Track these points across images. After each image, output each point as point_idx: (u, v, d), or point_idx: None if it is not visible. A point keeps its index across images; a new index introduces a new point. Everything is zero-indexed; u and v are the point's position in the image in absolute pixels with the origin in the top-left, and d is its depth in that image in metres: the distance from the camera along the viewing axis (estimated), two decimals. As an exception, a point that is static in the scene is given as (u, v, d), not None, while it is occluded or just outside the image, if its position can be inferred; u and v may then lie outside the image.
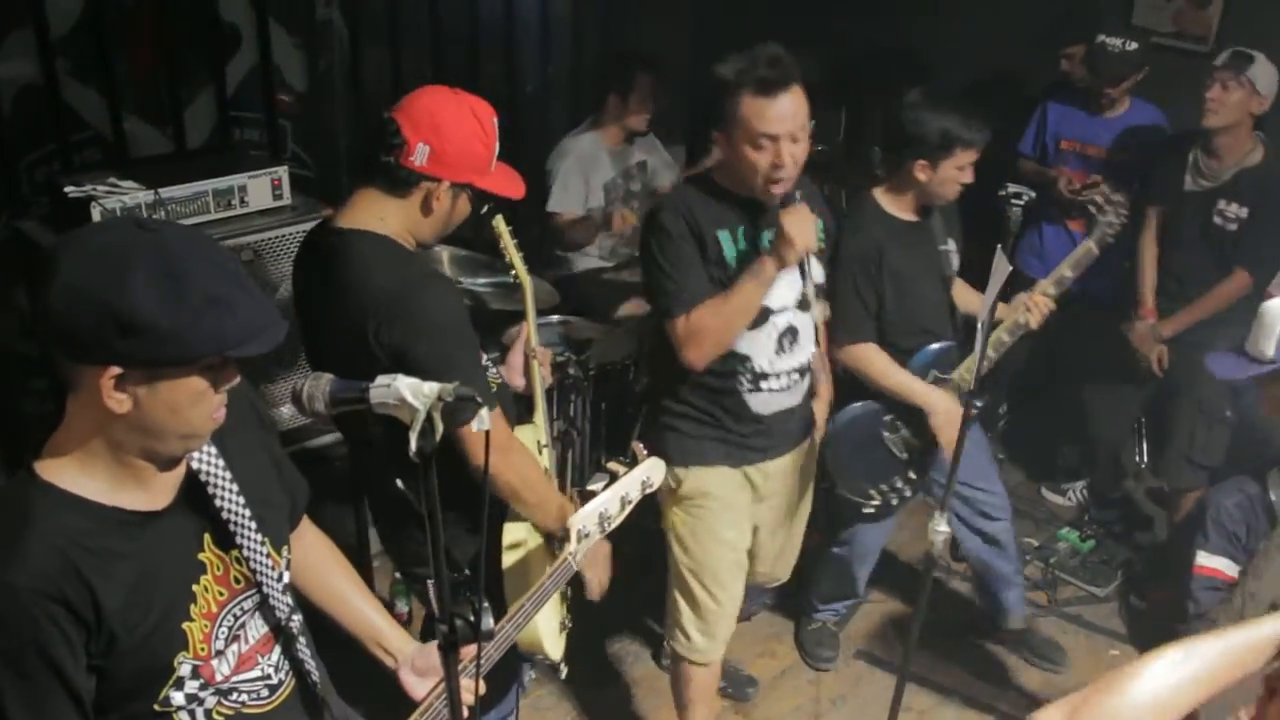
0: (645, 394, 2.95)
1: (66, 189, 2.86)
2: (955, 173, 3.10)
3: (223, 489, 1.61)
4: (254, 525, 1.64)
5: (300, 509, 1.90)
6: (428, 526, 1.50)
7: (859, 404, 3.26)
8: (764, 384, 2.77)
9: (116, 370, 1.38)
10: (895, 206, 3.20)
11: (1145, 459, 4.63)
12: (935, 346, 3.25)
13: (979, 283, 3.26)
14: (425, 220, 2.22)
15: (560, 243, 4.35)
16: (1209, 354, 2.62)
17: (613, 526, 2.24)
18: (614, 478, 2.26)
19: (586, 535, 2.17)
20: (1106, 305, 4.18)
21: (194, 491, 1.59)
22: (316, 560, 1.97)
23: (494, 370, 2.42)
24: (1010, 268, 2.51)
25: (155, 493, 1.54)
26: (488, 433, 1.48)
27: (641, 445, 2.41)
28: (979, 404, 3.27)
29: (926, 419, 3.19)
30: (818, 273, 2.73)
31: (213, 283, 1.39)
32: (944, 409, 3.17)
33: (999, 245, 2.61)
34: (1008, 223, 2.64)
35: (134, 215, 2.76)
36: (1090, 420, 4.46)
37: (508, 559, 2.41)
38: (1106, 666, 3.77)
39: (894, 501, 3.38)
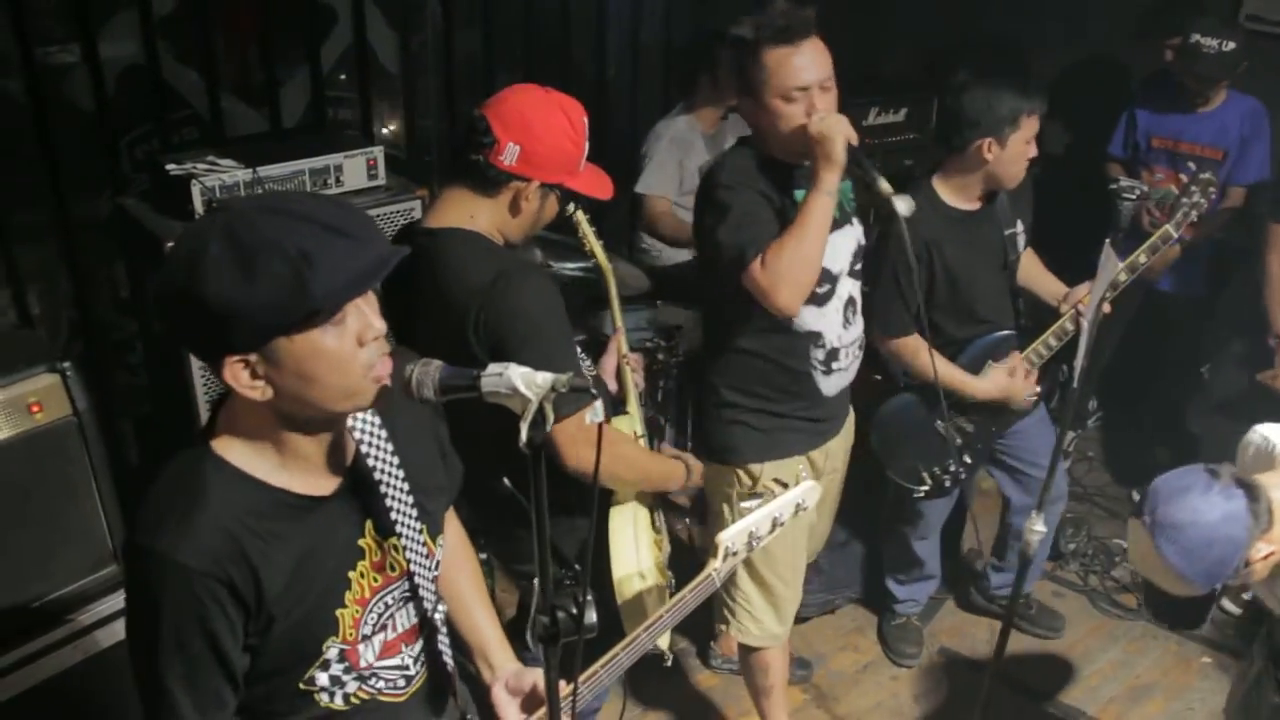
0: (704, 388, 2.78)
1: (168, 166, 2.90)
2: (1023, 147, 3.00)
3: (389, 475, 1.60)
4: (415, 514, 1.64)
5: (454, 495, 1.88)
6: (534, 521, 1.49)
7: (909, 393, 3.22)
8: (834, 364, 2.71)
9: (233, 359, 1.37)
10: (955, 196, 3.11)
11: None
12: (993, 336, 3.18)
13: (1072, 280, 3.21)
14: (514, 220, 2.23)
15: (648, 229, 4.31)
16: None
17: (760, 545, 2.19)
18: (769, 497, 2.20)
19: (734, 554, 2.12)
20: (1199, 302, 4.07)
21: (360, 477, 1.59)
22: (449, 556, 1.93)
23: (588, 362, 2.42)
24: (1121, 263, 2.44)
25: (322, 475, 1.54)
26: (600, 425, 1.46)
27: (802, 469, 2.38)
28: (1038, 390, 3.26)
29: (981, 406, 3.18)
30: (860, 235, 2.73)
31: (292, 238, 1.34)
32: (996, 387, 3.16)
33: (1107, 240, 2.53)
34: (1118, 216, 2.55)
35: (227, 199, 2.79)
36: (1180, 412, 4.34)
37: (619, 558, 2.42)
38: (1197, 674, 3.68)
39: (947, 484, 3.35)
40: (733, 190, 2.48)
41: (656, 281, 3.85)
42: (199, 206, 2.77)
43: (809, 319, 2.62)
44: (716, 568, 2.07)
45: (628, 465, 2.40)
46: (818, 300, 2.60)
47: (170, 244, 1.47)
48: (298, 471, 1.51)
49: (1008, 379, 3.18)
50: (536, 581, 1.52)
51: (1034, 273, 3.40)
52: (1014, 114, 2.95)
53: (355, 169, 3.07)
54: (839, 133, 2.37)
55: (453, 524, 1.95)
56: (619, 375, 2.65)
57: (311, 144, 3.12)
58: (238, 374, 1.38)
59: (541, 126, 2.16)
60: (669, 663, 2.49)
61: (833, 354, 2.69)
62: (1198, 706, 3.54)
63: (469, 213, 2.20)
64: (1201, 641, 3.84)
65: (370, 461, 1.59)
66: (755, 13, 2.44)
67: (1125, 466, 4.73)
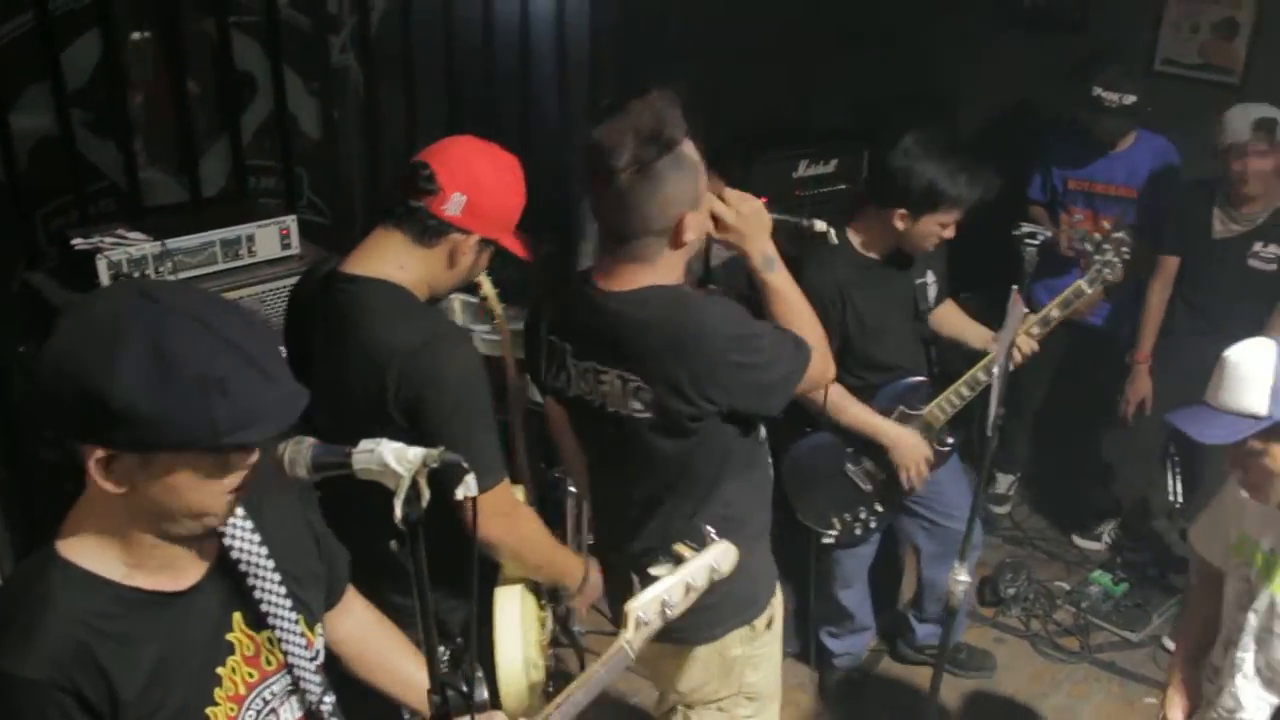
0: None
1: (74, 241, 2.86)
2: (936, 228, 3.01)
3: (256, 566, 1.54)
4: (289, 604, 1.57)
5: (342, 581, 1.82)
6: (416, 594, 1.46)
7: (821, 434, 3.21)
8: (769, 456, 2.49)
9: (101, 453, 1.31)
10: (867, 245, 3.12)
11: (1179, 495, 4.51)
12: (904, 382, 3.19)
13: (997, 322, 3.22)
14: (446, 273, 2.15)
15: None
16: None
17: (674, 615, 1.99)
18: (679, 562, 2.00)
19: (645, 624, 1.96)
20: (1123, 340, 4.12)
21: (225, 568, 1.52)
22: (367, 636, 1.89)
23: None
24: (1026, 310, 2.45)
25: (180, 571, 1.47)
26: (475, 499, 1.43)
27: (710, 528, 2.06)
28: (951, 440, 3.26)
29: (888, 453, 3.15)
30: None
31: (209, 362, 1.30)
32: (905, 444, 3.14)
33: (1014, 287, 2.55)
34: (1022, 263, 2.57)
35: (144, 282, 2.71)
36: (1115, 451, 4.38)
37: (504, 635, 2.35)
38: (1141, 715, 3.67)
39: (857, 531, 3.35)
40: (737, 319, 2.12)
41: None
42: (105, 280, 2.73)
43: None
44: (629, 639, 1.94)
45: (531, 548, 2.31)
46: None
47: (72, 307, 1.39)
48: (152, 568, 1.44)
49: (916, 439, 3.17)
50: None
51: (959, 323, 3.42)
52: (935, 200, 2.95)
53: (268, 239, 3.04)
54: (757, 205, 2.20)
55: (357, 603, 1.89)
56: (511, 431, 2.62)
57: (226, 214, 3.09)
58: (102, 467, 1.33)
59: (489, 179, 2.10)
60: None
61: (764, 442, 2.49)
62: (1142, 748, 3.53)
63: (399, 262, 2.10)
64: (1145, 681, 3.83)
65: (234, 554, 1.53)
66: (643, 123, 1.99)
67: (1063, 509, 4.75)
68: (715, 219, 2.17)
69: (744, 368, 2.08)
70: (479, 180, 2.08)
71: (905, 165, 2.95)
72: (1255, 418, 2.12)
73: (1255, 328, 3.66)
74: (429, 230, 2.08)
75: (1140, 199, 4.02)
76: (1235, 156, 3.59)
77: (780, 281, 2.22)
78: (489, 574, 2.33)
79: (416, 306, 2.12)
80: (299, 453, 1.45)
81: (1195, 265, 3.89)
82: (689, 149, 2.05)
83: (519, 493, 2.56)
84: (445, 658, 2.06)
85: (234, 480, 1.41)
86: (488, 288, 2.61)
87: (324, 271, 2.23)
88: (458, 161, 2.08)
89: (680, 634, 2.22)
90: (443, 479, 1.43)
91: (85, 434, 1.32)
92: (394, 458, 1.39)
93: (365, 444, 1.42)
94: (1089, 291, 3.13)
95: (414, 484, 1.40)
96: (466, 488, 1.40)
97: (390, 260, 2.11)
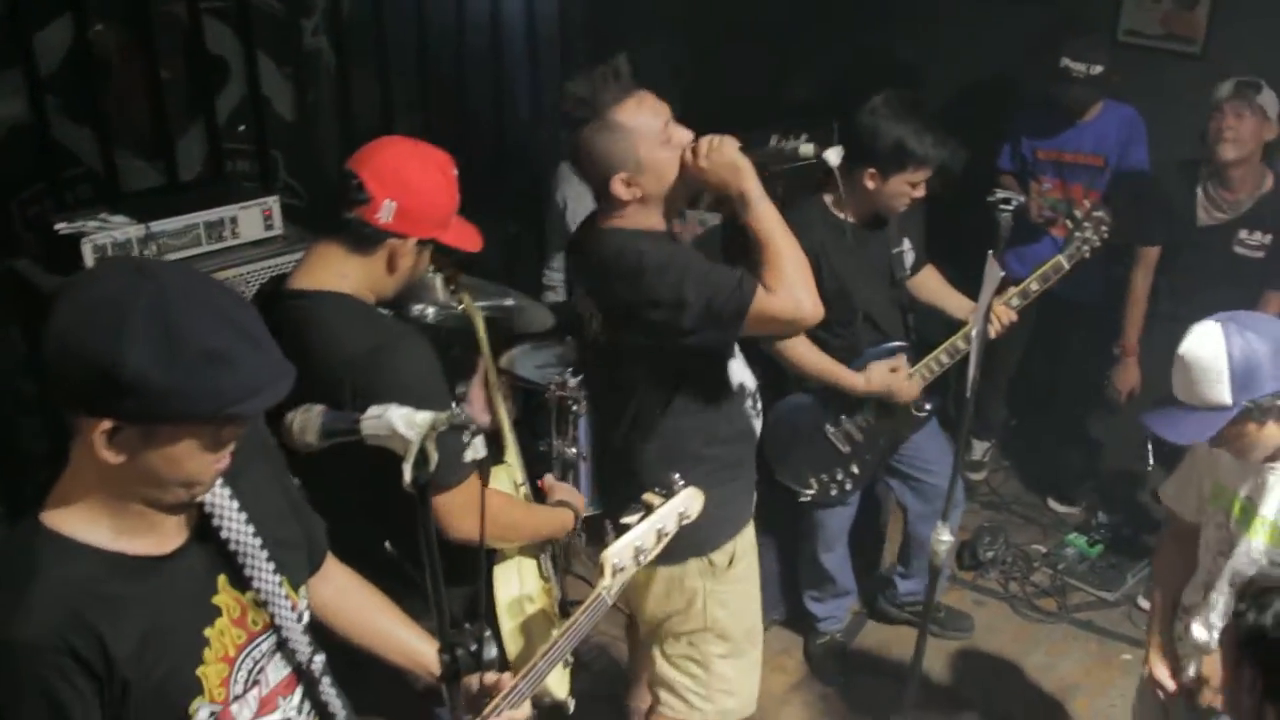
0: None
1: (57, 226, 2.86)
2: (906, 187, 3.06)
3: (236, 529, 1.57)
4: (271, 566, 1.61)
5: (320, 548, 1.86)
6: (425, 558, 1.49)
7: (802, 395, 3.26)
8: (757, 405, 2.67)
9: (108, 424, 1.35)
10: (842, 210, 3.15)
11: (1153, 459, 4.60)
12: (884, 347, 3.25)
13: (972, 290, 3.28)
14: (388, 278, 2.16)
15: None
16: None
17: (647, 560, 2.15)
18: (649, 510, 2.13)
19: (621, 569, 2.08)
20: (1095, 307, 4.19)
21: (206, 534, 1.56)
22: (349, 600, 1.93)
23: (458, 409, 2.39)
24: (1002, 273, 2.51)
25: (164, 536, 1.51)
26: (481, 462, 1.45)
27: (678, 475, 2.20)
28: (929, 407, 3.33)
29: (870, 414, 3.23)
30: None
31: (213, 336, 1.35)
32: (876, 382, 3.20)
33: (989, 252, 2.60)
34: (997, 229, 2.61)
35: (137, 260, 2.72)
36: (1088, 415, 4.45)
37: (509, 612, 2.40)
38: (1119, 671, 3.76)
39: (833, 492, 3.42)
40: (661, 255, 2.28)
41: (562, 318, 3.86)
42: (90, 264, 2.73)
43: (737, 371, 2.57)
44: (606, 585, 2.05)
45: (515, 530, 2.36)
46: (733, 351, 2.57)
47: (71, 286, 1.41)
48: (137, 534, 1.48)
49: (888, 374, 3.22)
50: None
51: (940, 291, 3.47)
52: (903, 159, 3.00)
53: (251, 220, 3.05)
54: (729, 145, 2.27)
55: (337, 570, 1.93)
56: (490, 405, 2.60)
57: (206, 197, 3.10)
58: (105, 439, 1.36)
59: (419, 182, 2.10)
60: (570, 712, 2.42)
61: (754, 396, 2.66)
62: (1119, 702, 3.60)
63: (340, 272, 2.12)
64: (1121, 639, 3.92)
65: (216, 520, 1.56)
66: (574, 90, 2.28)
67: (1039, 474, 4.83)
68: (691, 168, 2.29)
69: (655, 304, 2.25)
70: (408, 184, 2.08)
71: (872, 124, 3.02)
72: (1223, 408, 2.16)
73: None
74: (365, 239, 2.10)
75: (1107, 167, 4.09)
76: (1214, 113, 3.62)
77: (758, 222, 2.28)
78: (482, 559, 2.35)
79: (364, 314, 2.14)
80: (309, 420, 1.48)
81: (1179, 252, 3.90)
82: (622, 115, 2.25)
83: (514, 471, 2.59)
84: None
85: (225, 450, 1.46)
86: (439, 283, 2.60)
87: (270, 290, 2.26)
88: (385, 168, 2.08)
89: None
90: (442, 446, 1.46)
91: (94, 407, 1.35)
92: (403, 422, 1.42)
93: (374, 409, 1.45)
94: (1068, 267, 3.20)
95: (421, 449, 1.43)
96: (474, 450, 1.43)
97: (333, 271, 2.13)
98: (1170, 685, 2.52)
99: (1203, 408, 2.19)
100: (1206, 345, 2.17)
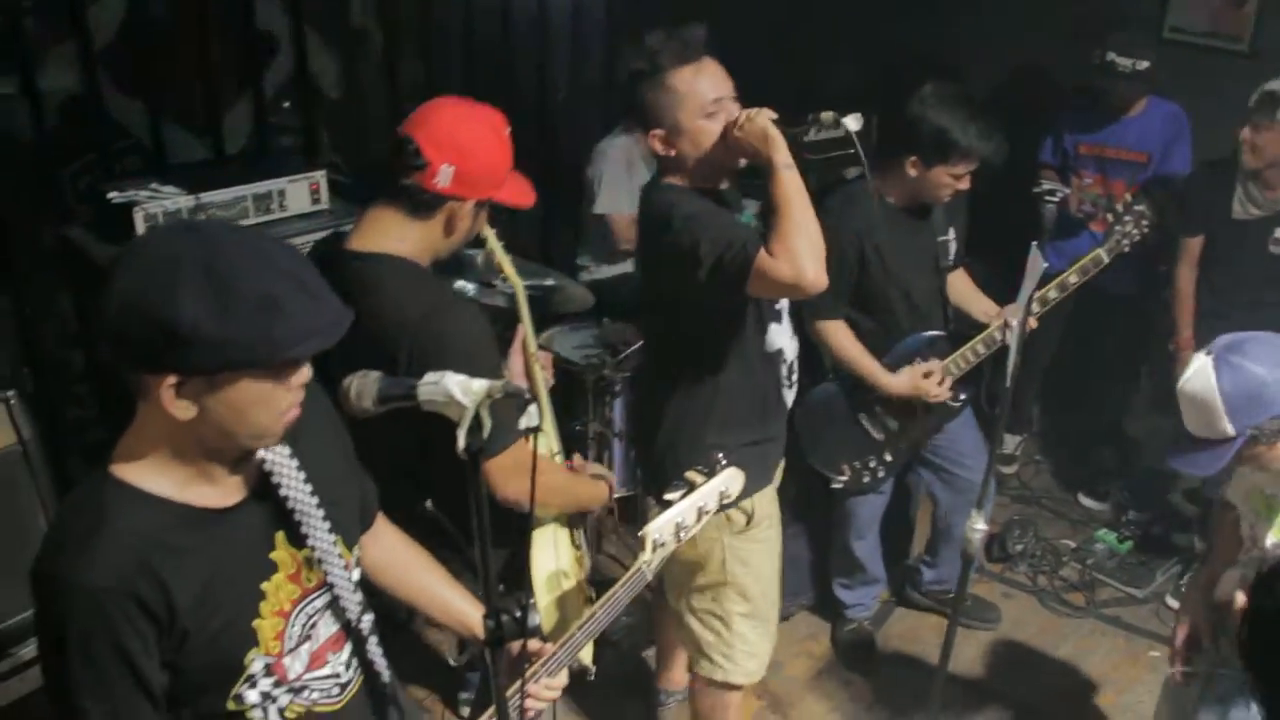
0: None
1: (110, 195, 2.91)
2: (948, 178, 3.06)
3: (294, 487, 1.61)
4: (326, 525, 1.65)
5: (372, 509, 1.91)
6: (475, 524, 1.52)
7: (839, 381, 3.29)
8: (792, 376, 2.73)
9: (173, 379, 1.39)
10: (888, 194, 3.18)
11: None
12: (922, 335, 3.25)
13: (1013, 281, 3.29)
14: (446, 240, 2.20)
15: (619, 243, 4.35)
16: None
17: (688, 537, 2.18)
18: (692, 487, 2.18)
19: (662, 545, 2.12)
20: (1130, 301, 4.17)
21: (266, 489, 1.60)
22: (398, 558, 1.98)
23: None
24: (1045, 264, 2.51)
25: (226, 489, 1.55)
26: (537, 430, 1.48)
27: (721, 455, 2.27)
28: (963, 396, 3.33)
29: (904, 402, 3.25)
30: None
31: (265, 283, 1.39)
32: (905, 385, 3.22)
33: (1033, 243, 2.60)
34: (1041, 220, 2.62)
35: (188, 221, 2.78)
36: (1121, 411, 4.44)
37: (545, 586, 2.43)
38: (1146, 667, 3.76)
39: (865, 480, 3.42)
40: (690, 208, 2.39)
41: (599, 299, 3.89)
42: (142, 233, 2.77)
43: (775, 337, 2.62)
44: (646, 560, 2.09)
45: (557, 494, 2.42)
46: (777, 316, 2.62)
47: (127, 250, 1.46)
48: (201, 486, 1.52)
49: (920, 379, 3.23)
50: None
51: (966, 293, 3.47)
52: (944, 150, 3.00)
53: (298, 194, 3.09)
54: (762, 116, 2.32)
55: (387, 530, 1.98)
56: (528, 374, 2.64)
57: (254, 170, 3.14)
58: (172, 393, 1.40)
59: (473, 144, 2.11)
60: (592, 676, 2.43)
61: (791, 367, 2.71)
62: (1146, 698, 3.59)
63: (399, 236, 2.15)
64: (1149, 636, 3.91)
65: (275, 478, 1.60)
66: (641, 45, 2.40)
67: (1070, 469, 4.82)
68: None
69: (675, 255, 2.35)
70: (463, 147, 2.09)
71: (919, 113, 3.03)
72: (1228, 440, 2.20)
73: (1277, 311, 3.68)
74: (424, 204, 2.12)
75: (1150, 163, 4.07)
76: (1243, 124, 3.61)
77: (778, 188, 2.29)
78: (522, 521, 2.38)
79: (424, 280, 2.18)
80: (365, 385, 1.51)
81: (1216, 248, 3.88)
82: (675, 79, 2.37)
83: (550, 440, 2.63)
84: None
85: (290, 399, 1.49)
86: (495, 244, 2.58)
87: (328, 248, 2.29)
88: (440, 131, 2.09)
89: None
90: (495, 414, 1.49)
91: (156, 363, 1.39)
92: (459, 389, 1.45)
93: (430, 376, 1.47)
94: (1107, 260, 3.20)
95: (476, 416, 1.46)
96: (529, 417, 1.46)
97: (391, 235, 2.15)
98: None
99: (1211, 439, 2.22)
100: (1197, 381, 2.21)
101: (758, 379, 2.63)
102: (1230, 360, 2.19)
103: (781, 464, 2.87)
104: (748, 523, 2.67)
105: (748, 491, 2.59)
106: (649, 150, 4.26)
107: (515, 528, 2.24)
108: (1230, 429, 2.18)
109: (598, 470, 2.63)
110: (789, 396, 2.75)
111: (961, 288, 3.48)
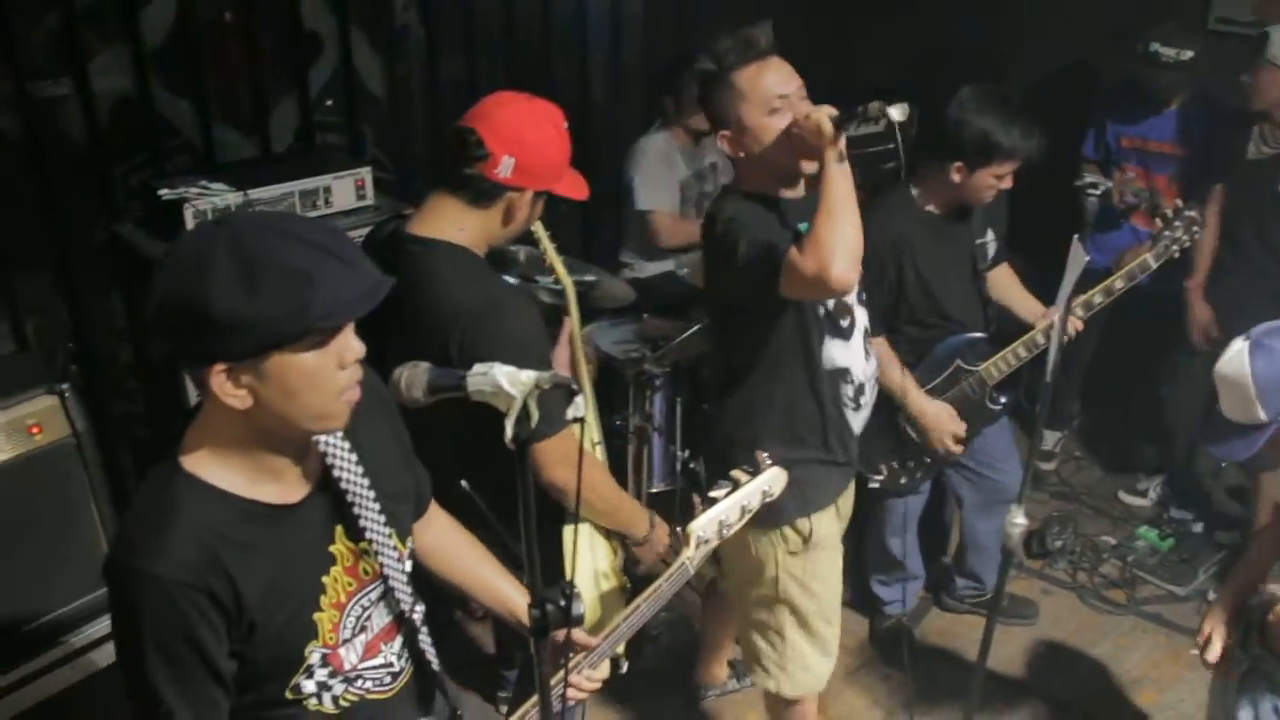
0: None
1: (161, 192, 2.97)
2: (992, 180, 3.06)
3: (353, 482, 1.65)
4: (382, 518, 1.69)
5: (425, 497, 1.95)
6: (521, 515, 1.55)
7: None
8: (862, 399, 2.67)
9: (221, 367, 1.42)
10: (928, 200, 3.17)
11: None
12: (963, 337, 3.25)
13: (1056, 276, 3.28)
14: (504, 229, 2.27)
15: (660, 239, 4.36)
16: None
17: (730, 534, 2.23)
18: (736, 485, 2.21)
19: (705, 541, 2.15)
20: (1170, 298, 4.15)
21: (327, 485, 1.64)
22: (449, 544, 2.02)
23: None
24: (1087, 258, 2.50)
25: (291, 485, 1.59)
26: (527, 441, 1.49)
27: (765, 454, 2.30)
28: (1004, 400, 3.32)
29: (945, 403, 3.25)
30: None
31: (292, 258, 1.40)
32: (930, 416, 3.21)
33: (1075, 236, 2.60)
34: (1083, 214, 2.62)
35: (218, 217, 2.83)
36: (1163, 408, 4.42)
37: (585, 585, 2.47)
38: (1187, 665, 3.73)
39: (903, 480, 3.42)
40: (734, 210, 2.44)
41: (644, 294, 3.92)
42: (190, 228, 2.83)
43: (837, 355, 2.58)
44: (690, 556, 2.12)
45: (598, 494, 2.44)
46: (843, 334, 2.59)
47: (165, 253, 1.51)
48: (267, 483, 1.56)
49: (945, 418, 3.23)
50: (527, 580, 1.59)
51: (1013, 292, 3.47)
52: (988, 153, 3.00)
53: (344, 190, 3.14)
54: (821, 112, 2.28)
55: (439, 516, 2.02)
56: (573, 367, 2.68)
57: (301, 166, 3.19)
58: (223, 381, 1.43)
59: (534, 137, 2.19)
60: (624, 670, 2.42)
61: (860, 389, 2.66)
62: (1188, 697, 3.59)
63: (459, 224, 2.23)
64: (1190, 634, 3.87)
65: (336, 471, 1.64)
66: (714, 44, 2.42)
67: (1111, 465, 4.80)
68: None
69: (721, 256, 2.40)
70: (524, 139, 2.17)
71: (959, 117, 3.02)
72: (1261, 425, 2.21)
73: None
74: (485, 193, 2.20)
75: (1189, 157, 4.04)
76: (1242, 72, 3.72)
77: (826, 184, 2.26)
78: (556, 513, 2.41)
79: (480, 269, 2.25)
80: (415, 376, 1.54)
81: (1233, 192, 3.91)
82: (739, 77, 2.39)
83: (591, 430, 2.66)
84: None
85: (345, 379, 1.51)
86: (545, 241, 2.62)
87: (389, 231, 2.36)
88: (502, 124, 2.17)
89: None
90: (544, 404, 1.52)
91: (201, 355, 1.43)
92: (507, 380, 1.48)
93: (479, 367, 1.50)
94: (1154, 266, 3.19)
95: (524, 406, 1.49)
96: (576, 408, 1.49)
97: (450, 222, 2.23)
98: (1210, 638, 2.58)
99: (1245, 424, 2.24)
100: (1233, 365, 2.23)
101: (815, 396, 2.58)
102: (1266, 344, 2.21)
103: (850, 490, 2.83)
104: (805, 542, 2.65)
105: (804, 511, 2.63)
106: (687, 145, 4.32)
107: (549, 515, 2.27)
108: (1263, 414, 2.19)
109: (661, 523, 2.60)
110: (855, 419, 2.69)
111: (1007, 284, 3.46)
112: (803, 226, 2.37)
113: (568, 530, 2.47)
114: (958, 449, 3.27)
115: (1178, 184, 4.10)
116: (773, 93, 2.37)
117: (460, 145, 2.18)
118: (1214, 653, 2.57)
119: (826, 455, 2.64)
